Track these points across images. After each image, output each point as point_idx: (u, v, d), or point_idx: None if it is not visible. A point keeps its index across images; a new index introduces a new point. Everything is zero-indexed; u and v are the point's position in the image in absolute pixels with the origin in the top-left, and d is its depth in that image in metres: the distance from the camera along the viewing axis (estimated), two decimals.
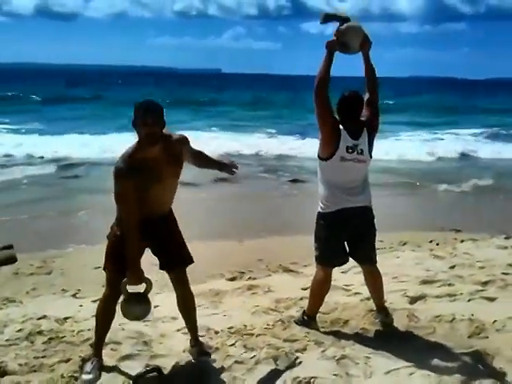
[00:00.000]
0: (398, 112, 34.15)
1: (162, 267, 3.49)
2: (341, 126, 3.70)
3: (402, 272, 5.33)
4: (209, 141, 18.63)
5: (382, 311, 4.09)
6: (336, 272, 5.17)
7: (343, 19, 3.65)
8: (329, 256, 3.89)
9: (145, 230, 3.22)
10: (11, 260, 5.92)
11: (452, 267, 5.47)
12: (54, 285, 5.30)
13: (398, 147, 17.05)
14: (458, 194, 10.48)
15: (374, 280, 4.05)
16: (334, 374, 3.38)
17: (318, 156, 3.82)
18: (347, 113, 3.72)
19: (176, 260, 3.47)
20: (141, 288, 3.38)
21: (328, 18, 3.68)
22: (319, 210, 3.87)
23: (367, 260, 4.00)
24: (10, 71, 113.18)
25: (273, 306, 4.51)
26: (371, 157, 3.83)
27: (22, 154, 15.14)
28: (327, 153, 3.72)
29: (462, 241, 6.64)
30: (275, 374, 3.41)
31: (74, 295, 4.95)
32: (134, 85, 62.48)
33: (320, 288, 3.99)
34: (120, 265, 3.23)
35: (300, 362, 3.53)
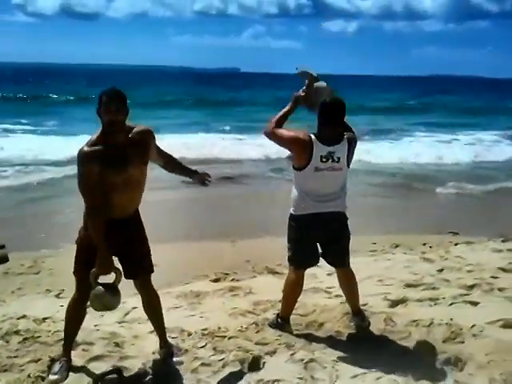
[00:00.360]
0: (417, 112, 33.50)
1: (125, 276, 3.44)
2: (312, 136, 3.67)
3: (388, 275, 5.28)
4: (219, 141, 18.74)
5: (358, 314, 4.05)
6: (322, 274, 5.20)
7: (314, 78, 3.83)
8: (300, 257, 3.88)
9: (109, 233, 3.21)
10: (3, 260, 6.00)
11: (440, 271, 5.39)
12: (39, 285, 5.35)
13: (408, 149, 16.91)
14: (459, 197, 10.31)
15: (348, 283, 4.02)
16: (299, 378, 3.36)
17: (292, 166, 3.82)
18: (327, 118, 3.68)
19: (139, 268, 3.45)
20: (110, 278, 3.33)
21: (304, 74, 3.86)
22: (291, 211, 3.86)
23: (340, 263, 3.97)
24: (33, 71, 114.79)
25: (251, 308, 4.49)
26: (349, 166, 3.79)
27: (35, 156, 15.26)
28: (300, 165, 3.71)
29: (457, 244, 6.54)
30: (240, 376, 3.41)
31: (57, 295, 5.00)
32: (154, 84, 62.84)
33: (292, 290, 3.97)
34: (88, 268, 3.24)
35: (267, 365, 3.52)
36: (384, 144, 17.88)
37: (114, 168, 3.14)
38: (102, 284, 3.30)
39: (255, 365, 3.52)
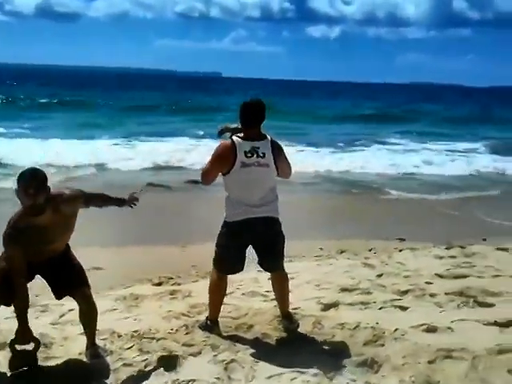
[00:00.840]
0: (398, 121, 32.89)
1: (60, 296, 3.62)
2: (234, 138, 3.79)
3: (326, 279, 5.39)
4: (192, 147, 18.86)
5: (287, 317, 4.16)
6: (263, 279, 5.28)
7: (234, 130, 3.93)
8: (225, 264, 3.99)
9: (40, 267, 3.42)
10: None
11: (379, 276, 5.52)
12: None
13: (372, 157, 17.28)
14: (410, 204, 10.52)
15: (280, 286, 4.13)
16: (216, 378, 3.44)
17: (222, 173, 3.89)
18: (247, 119, 3.82)
19: (71, 287, 3.55)
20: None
21: (222, 132, 4.01)
22: (224, 217, 3.95)
23: (275, 267, 4.07)
24: (10, 72, 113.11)
25: (186, 310, 4.56)
26: (277, 168, 3.87)
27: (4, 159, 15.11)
28: (228, 167, 3.78)
29: (401, 250, 6.69)
30: (159, 376, 3.48)
31: None
32: (134, 88, 62.37)
33: (216, 293, 4.08)
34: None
35: (189, 366, 3.60)
36: (351, 153, 18.17)
37: (39, 247, 3.29)
38: (20, 351, 3.42)
39: (177, 365, 3.60)
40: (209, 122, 28.25)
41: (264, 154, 3.77)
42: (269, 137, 3.87)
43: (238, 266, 3.99)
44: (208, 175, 3.89)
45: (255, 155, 3.75)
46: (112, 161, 15.27)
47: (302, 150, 18.53)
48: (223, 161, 3.79)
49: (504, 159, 18.51)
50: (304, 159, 15.81)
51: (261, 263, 4.05)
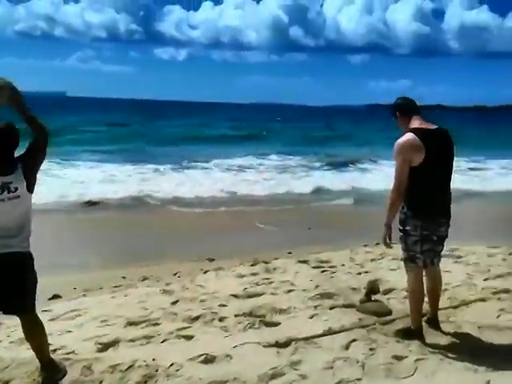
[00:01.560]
0: (242, 140, 33.20)
1: None
2: None
3: (116, 313, 4.99)
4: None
5: (45, 367, 3.67)
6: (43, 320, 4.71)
7: None
8: None
9: None
10: None
11: (174, 303, 5.24)
12: None
13: (201, 177, 17.59)
14: (222, 221, 10.61)
15: (29, 336, 3.63)
16: None
17: None
18: None
19: None
20: None
21: None
22: None
23: (17, 312, 3.56)
24: None
25: None
26: (32, 191, 3.44)
27: None
28: None
29: (206, 272, 6.49)
30: None
31: None
32: None
33: None
34: None
35: None
36: (180, 173, 18.50)
37: None
38: None
39: None
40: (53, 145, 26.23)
41: (16, 188, 3.34)
42: (20, 164, 3.38)
43: None
44: None
45: (6, 191, 3.31)
46: None
47: (143, 173, 17.97)
48: None
49: (334, 173, 19.73)
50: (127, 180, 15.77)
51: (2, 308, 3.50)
